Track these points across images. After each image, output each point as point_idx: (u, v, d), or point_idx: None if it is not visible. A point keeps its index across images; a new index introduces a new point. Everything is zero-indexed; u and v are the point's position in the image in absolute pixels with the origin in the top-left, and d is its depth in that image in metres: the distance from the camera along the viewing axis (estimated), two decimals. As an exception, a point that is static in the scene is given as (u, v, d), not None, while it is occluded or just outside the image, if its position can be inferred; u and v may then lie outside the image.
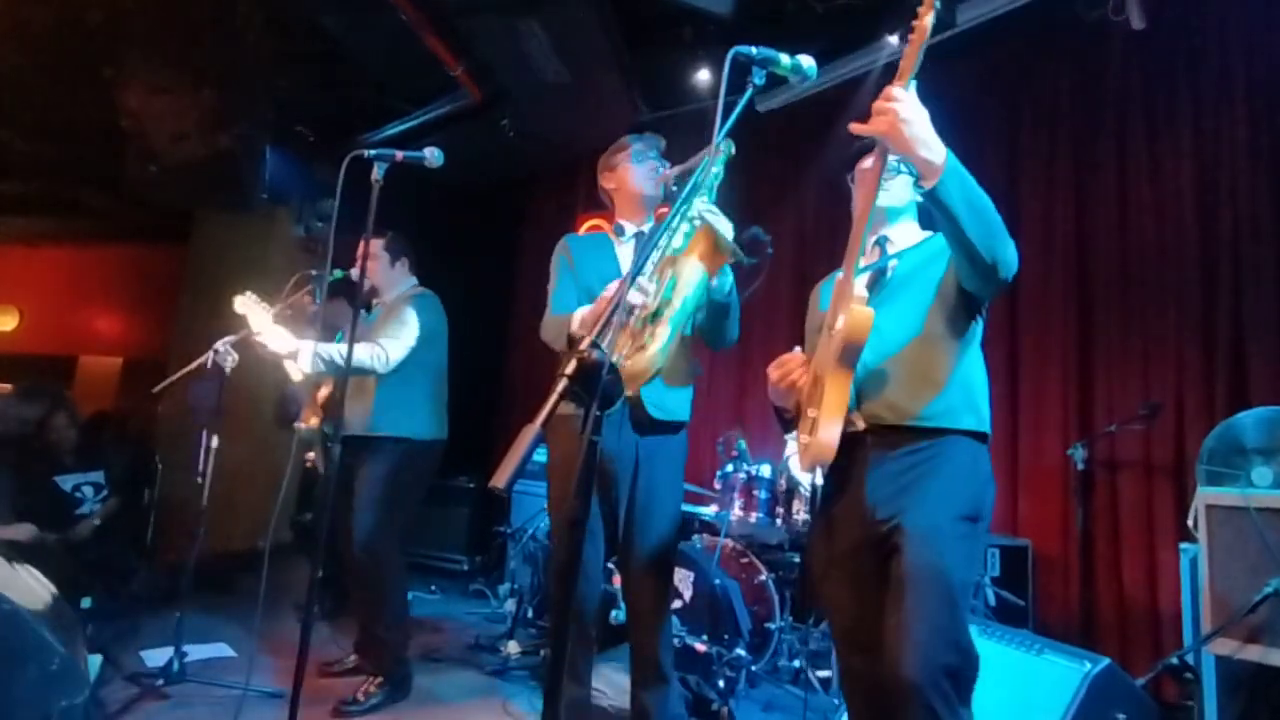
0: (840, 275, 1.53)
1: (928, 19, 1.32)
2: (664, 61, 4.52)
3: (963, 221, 1.34)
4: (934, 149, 1.32)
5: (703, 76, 4.50)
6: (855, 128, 1.36)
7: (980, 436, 1.55)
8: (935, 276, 1.57)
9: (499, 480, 0.85)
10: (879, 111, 1.31)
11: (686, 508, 3.53)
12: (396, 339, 2.72)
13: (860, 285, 1.46)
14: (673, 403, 2.12)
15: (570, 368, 0.90)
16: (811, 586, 1.66)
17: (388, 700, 2.62)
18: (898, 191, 1.72)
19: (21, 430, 3.40)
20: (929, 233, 1.73)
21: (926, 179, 1.33)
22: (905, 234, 1.74)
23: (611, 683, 2.83)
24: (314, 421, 2.79)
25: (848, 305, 1.40)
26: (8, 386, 3.79)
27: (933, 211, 1.38)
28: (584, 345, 0.90)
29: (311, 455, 3.63)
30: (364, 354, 2.61)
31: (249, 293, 2.68)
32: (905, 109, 1.30)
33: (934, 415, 1.50)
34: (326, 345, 2.57)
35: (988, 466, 1.56)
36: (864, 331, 1.38)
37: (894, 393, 1.52)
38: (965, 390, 1.54)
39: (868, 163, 1.68)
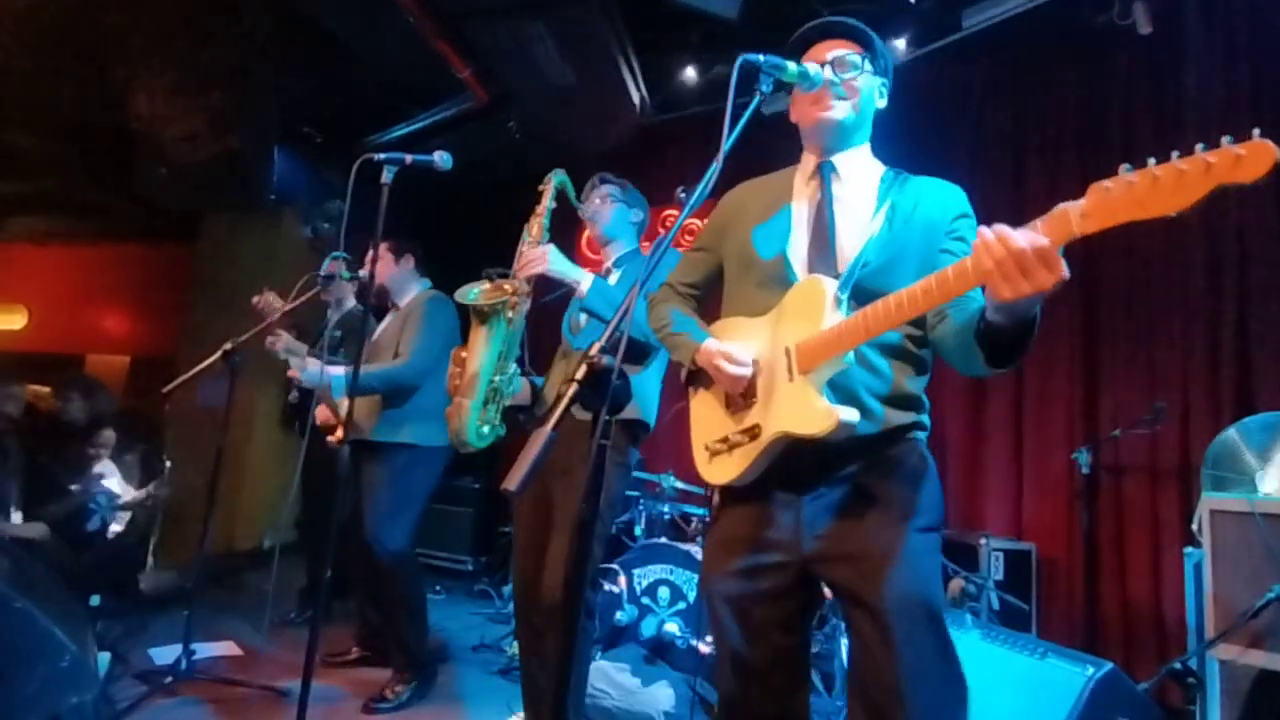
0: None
1: None
2: (670, 64, 4.54)
3: (990, 362, 1.11)
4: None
5: (709, 79, 4.51)
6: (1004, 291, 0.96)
7: (923, 428, 1.33)
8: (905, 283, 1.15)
9: (510, 483, 0.86)
10: (1038, 267, 0.94)
11: (689, 509, 3.55)
12: (422, 351, 2.74)
13: (836, 362, 1.17)
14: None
15: (581, 373, 0.91)
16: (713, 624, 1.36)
17: (415, 698, 2.64)
18: (867, 93, 1.39)
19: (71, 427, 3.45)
20: (877, 162, 1.45)
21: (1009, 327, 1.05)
22: (855, 165, 1.40)
23: (613, 682, 2.83)
24: (339, 434, 2.81)
25: (810, 392, 1.16)
26: (46, 389, 3.83)
27: (979, 334, 1.10)
28: (594, 351, 0.92)
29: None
30: (396, 374, 2.70)
31: (283, 333, 2.79)
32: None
33: (882, 420, 1.27)
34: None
35: (933, 462, 1.33)
36: (821, 434, 1.15)
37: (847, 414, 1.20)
38: (915, 384, 1.32)
39: (828, 55, 1.35)
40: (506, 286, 2.01)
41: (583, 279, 1.95)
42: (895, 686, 1.13)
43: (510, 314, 2.00)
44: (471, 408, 1.97)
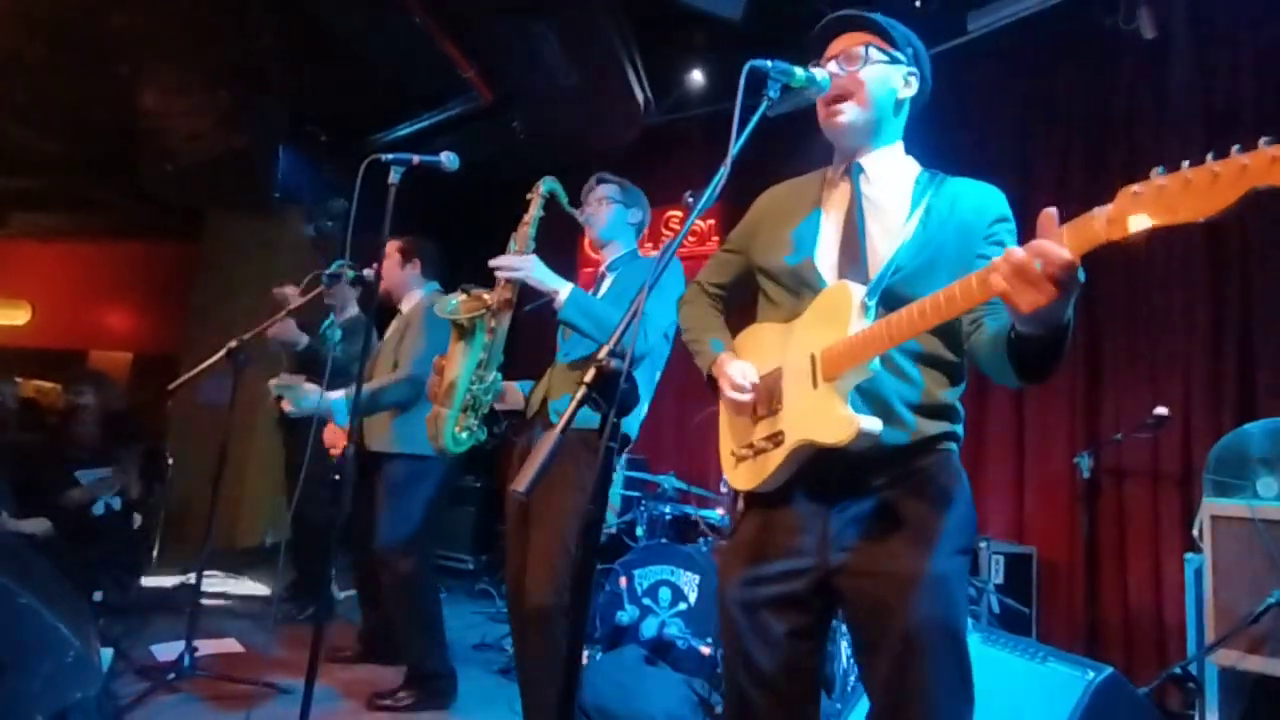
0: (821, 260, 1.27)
1: None
2: (675, 65, 4.55)
3: (1022, 375, 1.11)
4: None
5: (713, 80, 4.52)
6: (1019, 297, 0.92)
7: (956, 439, 1.28)
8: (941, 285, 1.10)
9: (519, 485, 0.86)
10: (1041, 280, 0.90)
11: (693, 510, 3.56)
12: (420, 360, 2.69)
13: (861, 370, 1.13)
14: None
15: (590, 375, 0.92)
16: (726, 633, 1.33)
17: (418, 708, 2.61)
18: (878, 85, 1.30)
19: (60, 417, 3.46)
20: (911, 161, 1.39)
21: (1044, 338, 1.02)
22: (886, 166, 1.35)
23: (614, 683, 2.84)
24: (350, 449, 2.81)
25: (833, 400, 1.14)
26: (50, 385, 3.86)
27: (1010, 347, 1.08)
28: (602, 354, 0.93)
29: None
30: (392, 388, 2.68)
31: (282, 374, 2.81)
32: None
33: (914, 430, 1.22)
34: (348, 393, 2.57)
35: (966, 477, 1.29)
36: (842, 442, 1.11)
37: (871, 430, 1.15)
38: (949, 393, 1.27)
39: (834, 55, 1.31)
40: (486, 297, 2.03)
41: (561, 289, 1.92)
42: (917, 709, 1.14)
43: (492, 324, 2.03)
44: (449, 417, 2.02)
